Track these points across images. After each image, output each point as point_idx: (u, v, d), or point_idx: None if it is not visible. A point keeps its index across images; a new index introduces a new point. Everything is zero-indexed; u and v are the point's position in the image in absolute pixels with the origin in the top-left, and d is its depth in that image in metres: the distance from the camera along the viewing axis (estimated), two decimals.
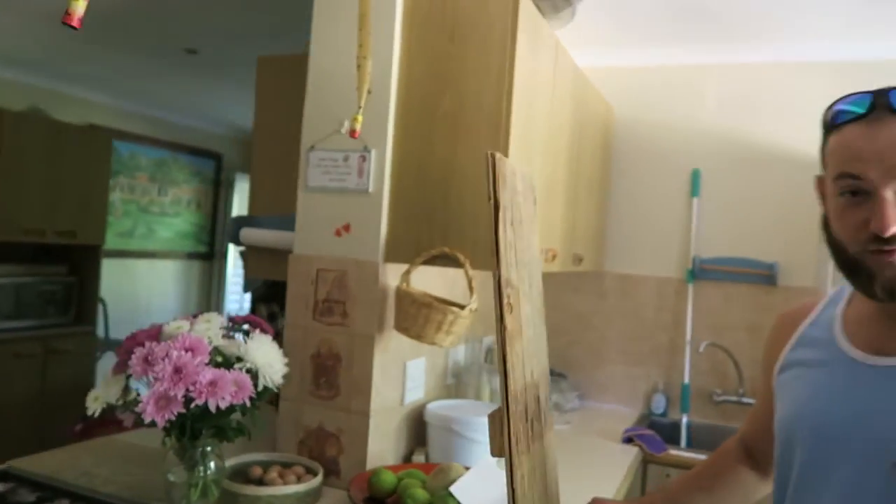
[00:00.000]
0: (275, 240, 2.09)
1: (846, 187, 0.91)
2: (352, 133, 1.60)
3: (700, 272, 3.03)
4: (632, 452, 2.48)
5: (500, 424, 1.07)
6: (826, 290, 2.84)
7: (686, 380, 3.02)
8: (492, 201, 1.11)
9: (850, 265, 0.94)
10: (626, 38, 3.00)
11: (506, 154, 1.73)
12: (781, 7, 2.52)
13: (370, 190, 1.82)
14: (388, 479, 1.69)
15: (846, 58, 2.84)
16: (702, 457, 2.56)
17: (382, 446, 1.91)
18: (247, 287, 2.95)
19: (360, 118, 1.59)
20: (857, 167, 0.89)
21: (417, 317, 1.70)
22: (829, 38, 2.79)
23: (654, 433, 2.64)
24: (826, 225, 0.98)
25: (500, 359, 1.07)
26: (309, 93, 1.90)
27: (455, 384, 2.35)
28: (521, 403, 1.10)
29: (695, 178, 3.07)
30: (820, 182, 1.01)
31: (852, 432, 0.94)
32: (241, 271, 5.79)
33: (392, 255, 1.83)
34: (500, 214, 1.10)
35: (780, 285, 2.92)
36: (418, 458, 2.04)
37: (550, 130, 2.14)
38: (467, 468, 1.74)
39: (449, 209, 1.78)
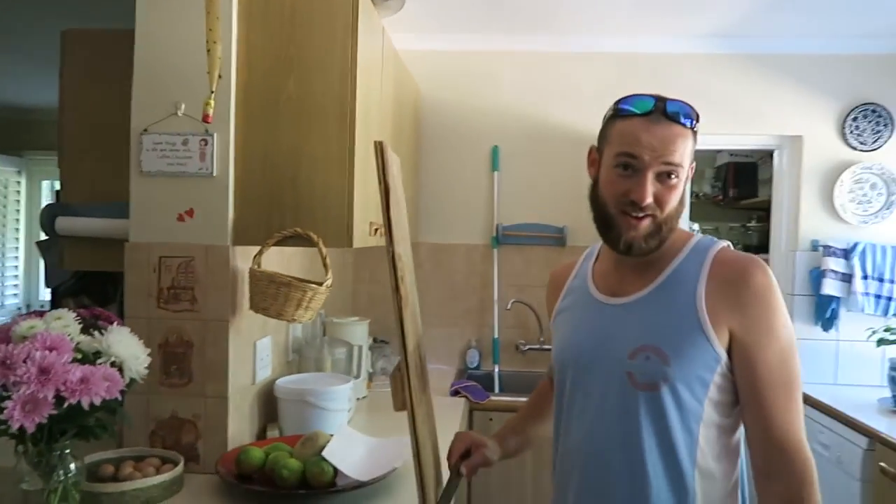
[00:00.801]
0: (102, 228, 1.97)
1: (622, 162, 1.16)
2: (205, 117, 1.59)
3: (503, 238, 3.38)
4: (460, 403, 2.75)
5: (400, 382, 1.21)
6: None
7: (496, 335, 3.37)
8: (382, 185, 1.22)
9: (606, 222, 1.20)
10: (430, 24, 3.20)
11: (352, 136, 1.84)
12: (571, 3, 2.88)
13: (214, 174, 1.81)
14: (256, 454, 1.74)
15: (622, 50, 3.34)
16: (517, 399, 2.92)
17: (240, 426, 1.94)
18: (50, 281, 2.69)
19: (212, 102, 1.59)
20: (635, 149, 1.14)
21: (277, 296, 1.75)
22: (609, 33, 3.27)
23: (476, 384, 2.94)
24: (594, 188, 1.24)
25: (398, 323, 1.20)
26: (137, 73, 1.82)
27: (297, 359, 2.42)
28: (414, 361, 1.25)
29: (494, 154, 3.40)
30: (592, 151, 1.27)
31: (599, 356, 1.22)
32: (43, 263, 5.09)
33: (241, 238, 1.85)
34: (390, 197, 1.22)
35: (569, 245, 3.38)
36: (272, 433, 2.09)
37: (381, 112, 2.27)
38: (330, 435, 1.85)
39: (298, 191, 1.84)
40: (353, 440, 1.91)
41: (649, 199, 1.14)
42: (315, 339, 2.49)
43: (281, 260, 2.15)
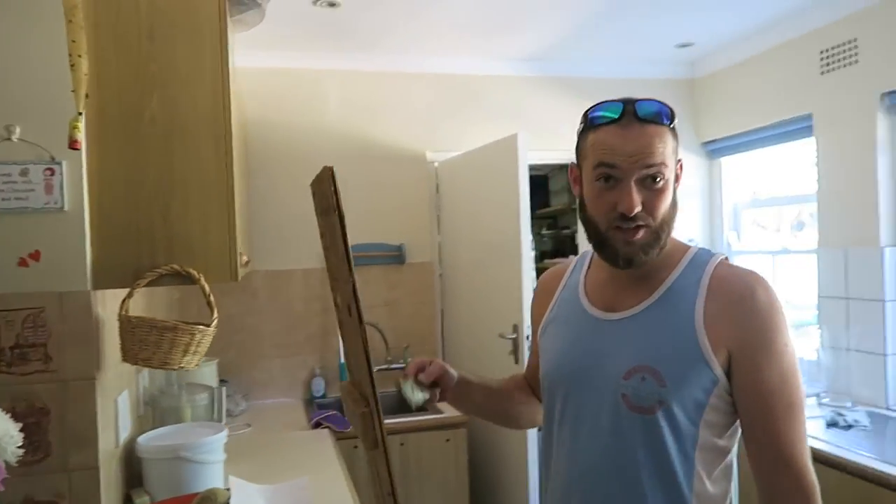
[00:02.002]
0: None
1: (602, 174, 1.09)
2: (72, 143, 1.35)
3: None
4: (324, 435, 2.64)
5: (370, 420, 1.14)
6: (436, 264, 3.44)
7: (342, 359, 3.29)
8: (336, 213, 1.14)
9: (600, 240, 1.13)
10: (255, 40, 3.03)
11: (230, 158, 1.69)
12: (396, 24, 2.92)
13: (65, 208, 1.55)
14: None
15: (444, 70, 3.47)
16: None
17: (109, 497, 1.67)
18: None
19: (80, 125, 1.35)
20: (611, 159, 1.08)
21: (161, 343, 1.54)
22: (432, 54, 3.37)
23: (336, 412, 2.84)
24: (582, 205, 1.17)
25: (365, 358, 1.13)
26: None
27: (150, 412, 2.14)
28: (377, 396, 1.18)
29: None
30: (573, 169, 1.20)
31: (593, 374, 1.16)
32: None
33: (103, 281, 1.60)
34: (344, 224, 1.14)
35: (408, 262, 3.41)
36: (141, 499, 1.83)
37: (235, 132, 2.10)
38: (227, 489, 1.67)
39: (171, 224, 1.64)
40: (250, 492, 1.75)
41: (638, 208, 1.07)
42: (171, 387, 2.22)
43: (141, 303, 1.90)
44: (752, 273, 1.13)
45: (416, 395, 1.26)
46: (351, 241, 3.71)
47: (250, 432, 2.74)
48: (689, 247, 1.20)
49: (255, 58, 3.15)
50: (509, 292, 2.87)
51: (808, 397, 2.91)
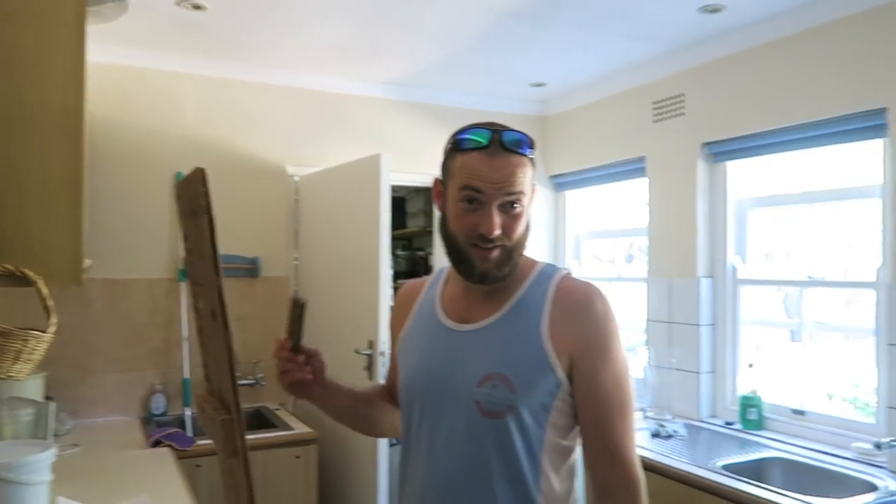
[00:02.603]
0: None
1: (467, 197, 1.17)
2: None
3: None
4: (165, 453, 2.49)
5: (231, 427, 1.11)
6: (292, 279, 3.40)
7: (186, 374, 3.13)
8: (207, 215, 1.12)
9: (458, 255, 1.21)
10: (105, 35, 2.85)
11: (81, 154, 1.59)
12: (261, 34, 2.88)
13: None
14: None
15: (309, 86, 3.45)
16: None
17: None
18: None
19: None
20: (477, 184, 1.15)
21: None
22: (298, 68, 3.35)
23: (178, 430, 2.69)
24: (444, 220, 1.24)
25: (228, 365, 1.11)
26: None
27: None
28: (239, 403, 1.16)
29: (178, 180, 3.17)
30: (437, 184, 1.26)
31: (448, 384, 1.22)
32: None
33: None
34: (214, 227, 1.12)
35: (263, 276, 3.33)
36: None
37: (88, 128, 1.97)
38: None
39: (6, 221, 1.51)
40: None
41: (497, 232, 1.15)
42: None
43: None
44: (590, 285, 1.25)
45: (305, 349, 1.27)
46: None
47: (79, 453, 2.52)
48: (536, 262, 1.30)
49: (107, 53, 2.96)
50: (366, 309, 2.90)
51: (635, 410, 3.20)
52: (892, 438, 2.21)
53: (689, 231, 3.12)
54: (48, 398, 2.77)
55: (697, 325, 3.08)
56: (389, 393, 1.49)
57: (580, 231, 4.09)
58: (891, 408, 2.31)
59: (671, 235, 3.22)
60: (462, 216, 1.18)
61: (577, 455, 1.26)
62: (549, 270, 1.28)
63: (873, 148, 2.50)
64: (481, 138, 1.17)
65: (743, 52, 2.87)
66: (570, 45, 3.01)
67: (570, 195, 4.10)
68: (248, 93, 3.35)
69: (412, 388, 1.28)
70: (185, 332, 3.14)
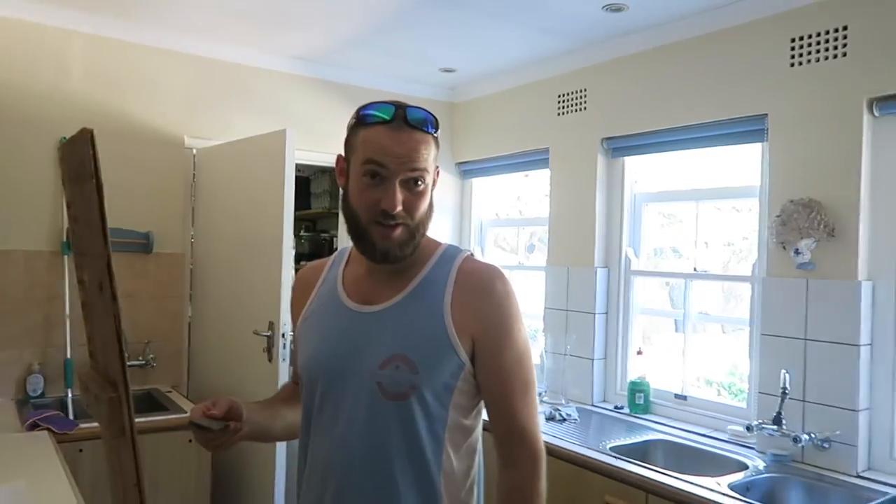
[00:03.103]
0: None
1: (369, 171, 1.15)
2: None
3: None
4: (42, 437, 2.34)
5: (118, 406, 1.06)
6: (188, 257, 3.27)
7: (69, 354, 2.94)
8: (94, 180, 1.05)
9: (359, 233, 1.19)
10: None
11: None
12: None
13: None
14: None
15: (206, 54, 3.29)
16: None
17: None
18: None
19: None
20: (381, 158, 1.14)
21: None
22: (193, 33, 3.17)
23: (58, 412, 2.53)
24: (346, 197, 1.21)
25: (116, 340, 1.05)
26: None
27: None
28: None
29: None
30: (340, 160, 1.24)
31: (351, 365, 1.20)
32: None
33: None
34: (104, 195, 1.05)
35: (156, 252, 3.18)
36: None
37: None
38: None
39: None
40: None
41: (399, 208, 1.14)
42: None
43: None
44: (492, 267, 1.26)
45: (214, 424, 1.18)
46: None
47: None
48: (439, 244, 1.30)
49: None
50: (267, 289, 2.83)
51: (536, 387, 3.30)
52: (761, 421, 2.40)
53: (587, 223, 3.24)
54: None
55: (593, 313, 3.21)
56: (297, 386, 1.44)
57: (484, 218, 4.16)
58: (761, 393, 2.50)
59: (571, 226, 3.34)
60: (364, 191, 1.17)
61: (478, 433, 1.28)
62: (452, 252, 1.28)
63: (754, 151, 2.68)
64: (385, 113, 1.16)
65: (642, 52, 3.00)
66: (480, 32, 3.04)
67: (477, 182, 4.15)
68: (144, 56, 3.16)
69: (313, 370, 1.26)
70: (68, 309, 2.94)
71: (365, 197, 1.17)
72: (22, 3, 2.81)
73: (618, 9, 2.67)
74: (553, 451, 2.46)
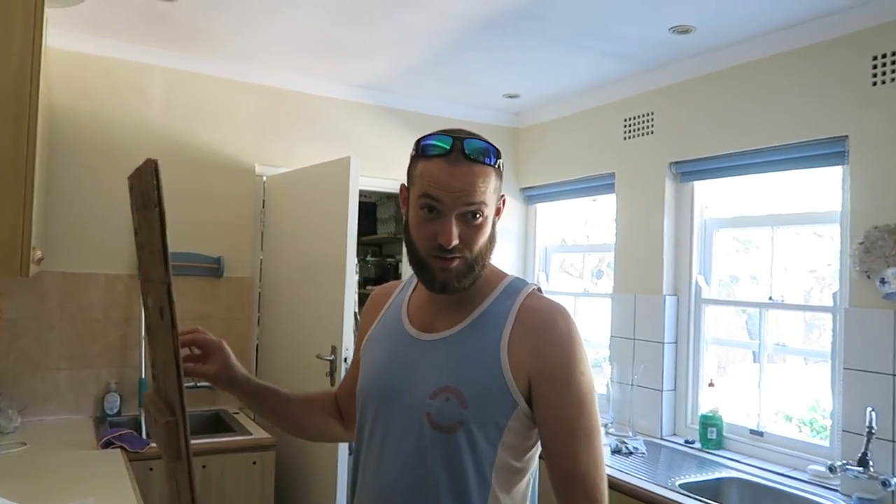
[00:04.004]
0: None
1: (426, 204, 1.14)
2: None
3: None
4: (115, 455, 2.42)
5: (175, 429, 1.08)
6: (256, 281, 3.35)
7: (143, 374, 3.05)
8: (157, 208, 1.08)
9: (419, 263, 1.18)
10: (72, 21, 2.79)
11: (33, 143, 1.54)
12: (232, 28, 2.84)
13: None
14: None
15: (277, 84, 3.41)
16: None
17: None
18: None
19: None
20: (436, 193, 1.13)
21: None
22: (265, 65, 3.30)
23: (131, 431, 2.62)
24: (407, 226, 1.21)
25: (175, 365, 1.07)
26: None
27: None
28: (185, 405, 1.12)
29: None
30: (403, 189, 1.23)
31: (404, 393, 1.19)
32: None
33: None
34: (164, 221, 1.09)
35: (226, 276, 3.27)
36: None
37: (41, 115, 1.92)
38: None
39: None
40: None
41: (455, 242, 1.13)
42: None
43: None
44: (556, 305, 1.20)
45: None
46: (170, 249, 3.47)
47: (25, 451, 2.44)
48: (506, 275, 1.26)
49: (73, 39, 2.90)
50: (330, 314, 2.86)
51: (601, 434, 3.20)
52: (846, 462, 2.24)
53: (655, 249, 3.15)
54: None
55: (661, 342, 3.10)
56: (335, 398, 1.45)
57: (549, 244, 4.11)
58: (845, 431, 2.34)
59: (638, 252, 3.24)
60: (421, 224, 1.16)
61: (533, 477, 1.23)
62: (518, 285, 1.24)
63: (834, 174, 2.55)
64: (443, 144, 1.14)
65: (712, 74, 2.92)
66: (544, 58, 3.03)
67: (541, 208, 4.11)
68: (217, 89, 3.30)
69: (368, 394, 1.25)
70: (143, 331, 3.06)
71: (422, 230, 1.16)
72: (109, 40, 2.99)
73: (685, 30, 2.61)
74: (618, 486, 2.37)
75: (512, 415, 1.14)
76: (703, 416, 2.89)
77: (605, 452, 2.76)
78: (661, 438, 3.04)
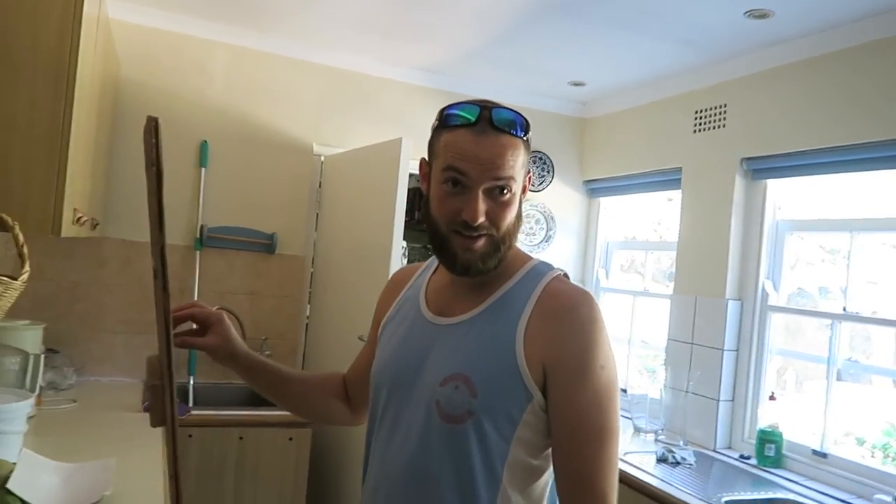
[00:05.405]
0: None
1: (450, 178, 1.06)
2: None
3: (207, 240, 3.16)
4: None
5: (160, 394, 1.06)
6: (309, 259, 3.36)
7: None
8: (154, 168, 1.06)
9: (440, 243, 1.10)
10: None
11: (70, 104, 1.56)
12: (296, 6, 2.84)
13: None
14: None
15: (337, 64, 3.41)
16: (218, 412, 2.74)
17: None
18: None
19: None
20: (462, 165, 1.04)
21: None
22: (326, 45, 3.30)
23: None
24: (427, 204, 1.12)
25: (164, 328, 1.05)
26: None
27: None
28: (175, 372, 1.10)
29: (203, 149, 3.17)
30: (423, 164, 1.16)
31: (415, 378, 1.12)
32: None
33: None
34: (163, 183, 1.07)
35: (278, 253, 3.31)
36: None
37: (91, 83, 1.96)
38: (13, 462, 1.52)
39: None
40: (43, 467, 1.60)
41: (482, 219, 1.04)
42: None
43: None
44: (580, 290, 1.11)
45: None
46: (221, 223, 3.58)
47: (74, 409, 2.53)
48: (529, 258, 1.18)
49: (136, 13, 2.98)
50: (374, 295, 2.80)
51: (647, 433, 3.05)
52: None
53: (720, 249, 2.96)
54: (53, 351, 2.81)
55: (721, 349, 2.91)
56: (345, 382, 1.41)
57: (611, 239, 3.95)
58: None
59: (701, 252, 3.06)
60: (444, 200, 1.07)
61: (551, 476, 1.13)
62: (542, 269, 1.15)
63: None
64: (469, 114, 1.06)
65: (790, 63, 2.70)
66: (610, 44, 2.88)
67: (604, 202, 3.95)
68: (277, 67, 3.32)
69: (381, 378, 1.19)
70: (196, 300, 3.12)
71: (446, 206, 1.07)
72: (171, 14, 3.06)
73: (762, 15, 2.42)
74: (656, 496, 2.24)
75: (527, 408, 1.05)
76: (762, 431, 2.69)
77: (650, 461, 2.62)
78: (715, 451, 2.86)
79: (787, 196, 2.89)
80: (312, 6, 2.80)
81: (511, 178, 1.06)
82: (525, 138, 1.09)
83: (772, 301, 2.85)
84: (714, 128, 3.06)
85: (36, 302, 2.91)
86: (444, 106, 1.11)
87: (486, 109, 1.06)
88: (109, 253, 3.04)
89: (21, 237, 1.49)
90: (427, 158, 1.16)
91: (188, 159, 3.17)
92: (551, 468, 1.11)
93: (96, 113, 2.18)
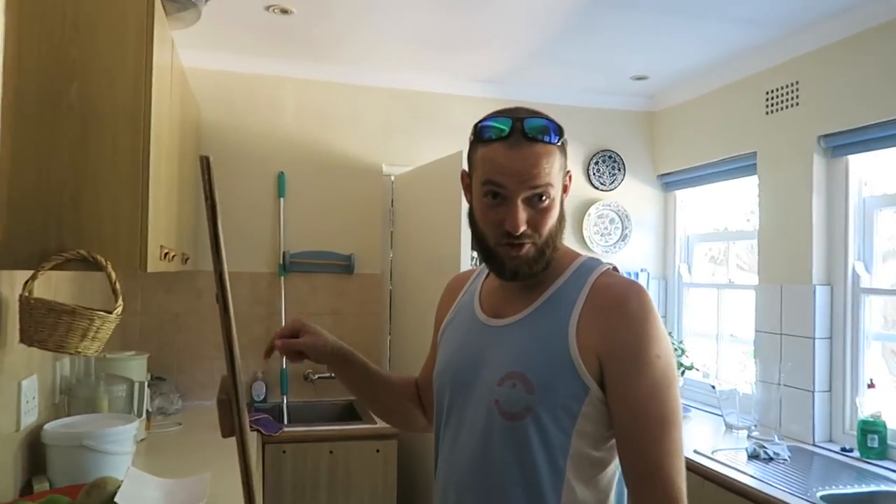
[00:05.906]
0: None
1: (489, 191, 1.10)
2: None
3: (290, 266, 3.33)
4: (251, 437, 2.62)
5: (228, 408, 1.16)
6: (387, 277, 3.46)
7: (284, 365, 3.29)
8: (209, 202, 1.17)
9: (487, 252, 1.15)
10: (212, 42, 3.09)
11: (147, 151, 1.71)
12: (355, 35, 2.98)
13: None
14: None
15: (400, 85, 3.53)
16: (310, 429, 2.87)
17: (4, 480, 1.67)
18: None
19: None
20: (499, 178, 1.09)
21: (57, 326, 1.55)
22: (389, 68, 3.43)
23: (267, 416, 2.84)
24: (472, 216, 1.18)
25: (228, 346, 1.15)
26: None
27: (66, 400, 2.14)
28: (241, 385, 1.20)
29: (280, 180, 3.36)
30: (465, 176, 1.21)
31: (474, 379, 1.17)
32: None
33: (6, 261, 1.61)
34: (218, 214, 1.17)
35: (357, 273, 3.44)
36: (41, 486, 1.82)
37: (170, 130, 2.14)
38: (120, 480, 1.67)
39: (81, 209, 1.66)
40: (146, 483, 1.75)
41: (523, 227, 1.09)
42: (88, 378, 2.22)
43: (48, 287, 1.91)
44: (630, 282, 1.14)
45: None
46: (301, 248, 3.75)
47: (179, 431, 2.74)
48: (578, 255, 1.22)
49: (210, 60, 3.20)
50: None
51: (740, 429, 2.94)
52: None
53: (803, 233, 2.83)
54: (159, 379, 3.04)
55: (812, 338, 2.77)
56: (417, 386, 1.46)
57: (691, 233, 3.84)
58: None
59: (784, 238, 2.94)
60: (487, 212, 1.12)
61: (617, 468, 1.15)
62: (591, 264, 1.18)
63: None
64: (502, 126, 1.10)
65: (866, 31, 2.56)
66: (672, 31, 2.83)
67: (680, 195, 3.86)
68: (344, 94, 3.47)
69: (443, 380, 1.25)
70: (283, 323, 3.30)
71: (488, 217, 1.12)
72: (242, 57, 3.27)
73: None
74: (745, 493, 2.16)
75: (585, 400, 1.08)
76: (863, 422, 2.55)
77: (741, 458, 2.53)
78: (814, 445, 2.73)
79: (872, 171, 2.73)
80: (364, 28, 2.89)
81: (548, 184, 1.10)
82: (559, 143, 1.12)
83: (864, 283, 2.70)
84: (787, 107, 2.94)
85: (143, 334, 3.17)
86: (478, 119, 1.15)
87: (518, 120, 1.10)
88: (203, 284, 3.26)
89: (113, 275, 1.66)
90: (467, 170, 1.21)
91: (268, 191, 3.36)
92: (617, 459, 1.13)
93: (178, 155, 2.36)
